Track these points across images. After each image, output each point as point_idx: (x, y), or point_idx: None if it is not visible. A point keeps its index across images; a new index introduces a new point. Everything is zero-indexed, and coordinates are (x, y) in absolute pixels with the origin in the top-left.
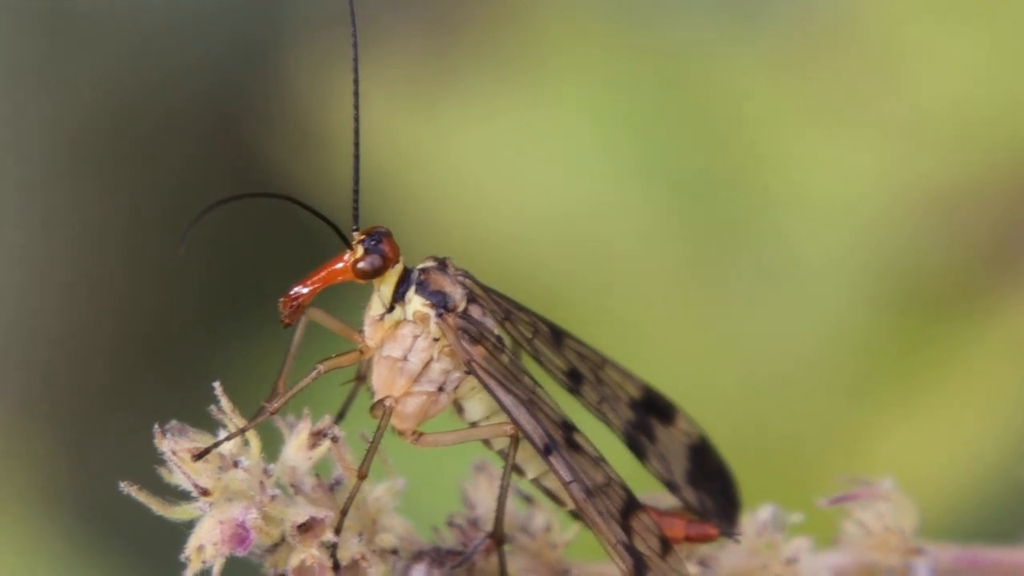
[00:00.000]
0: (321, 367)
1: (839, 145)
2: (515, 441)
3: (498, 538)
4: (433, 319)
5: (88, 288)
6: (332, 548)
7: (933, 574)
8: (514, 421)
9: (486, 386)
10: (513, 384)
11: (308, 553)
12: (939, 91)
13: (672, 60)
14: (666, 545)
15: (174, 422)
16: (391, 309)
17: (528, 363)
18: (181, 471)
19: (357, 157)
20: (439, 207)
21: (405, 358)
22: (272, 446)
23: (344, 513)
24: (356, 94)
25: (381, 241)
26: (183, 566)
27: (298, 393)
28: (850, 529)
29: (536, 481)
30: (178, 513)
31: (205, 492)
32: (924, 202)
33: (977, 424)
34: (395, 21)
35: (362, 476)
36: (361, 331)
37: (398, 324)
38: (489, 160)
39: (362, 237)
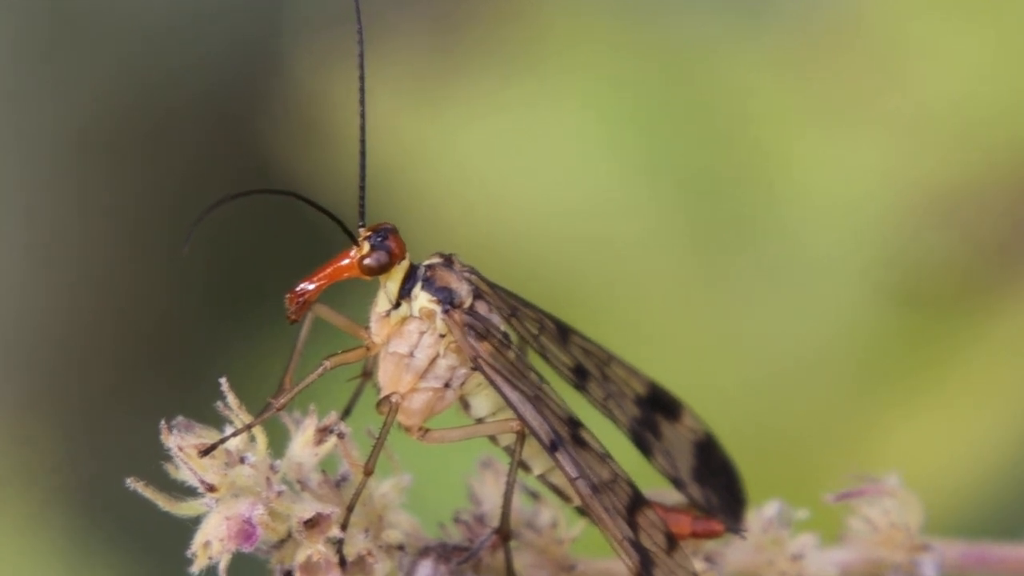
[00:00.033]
0: (327, 363)
1: (843, 143)
2: (521, 437)
3: (504, 534)
4: (439, 315)
5: (92, 286)
6: (338, 544)
7: (939, 570)
8: (520, 417)
9: (492, 382)
10: (519, 380)
11: (314, 549)
12: (943, 89)
13: (677, 57)
14: (672, 541)
15: (180, 418)
16: (397, 305)
17: (534, 359)
18: (187, 467)
19: (363, 153)
20: (444, 204)
21: (411, 354)
22: (278, 442)
23: (350, 509)
24: (362, 90)
25: (387, 237)
26: (189, 562)
27: (304, 389)
28: (856, 525)
29: (542, 477)
30: (184, 509)
31: (211, 488)
32: (927, 200)
33: (981, 421)
34: (400, 18)
35: (368, 472)
36: (367, 327)
37: (404, 320)
38: (494, 157)
39: (368, 233)
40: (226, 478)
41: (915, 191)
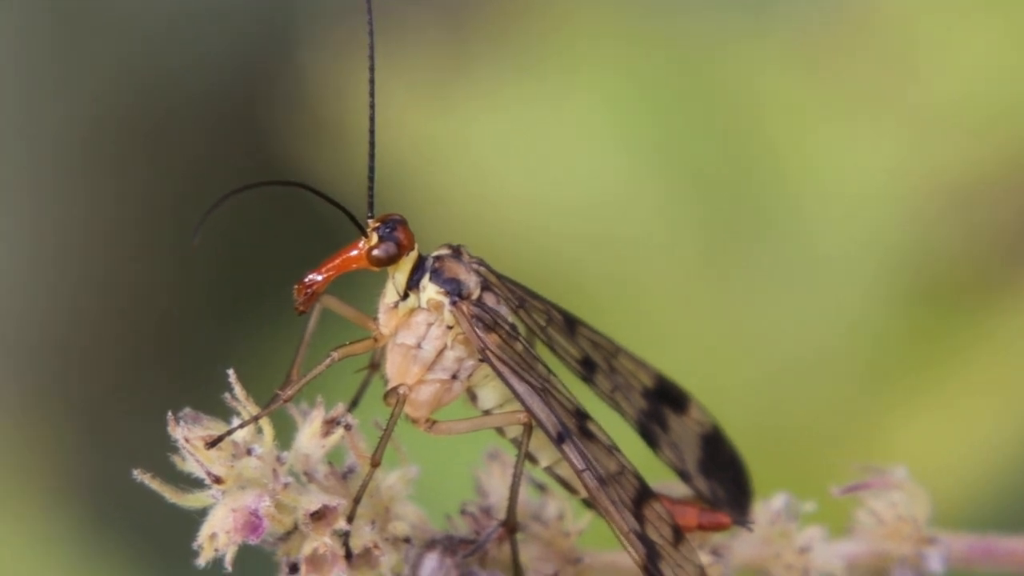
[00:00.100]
0: (335, 355)
1: (857, 137)
2: (528, 429)
3: (511, 526)
4: (447, 307)
5: (95, 285)
6: (345, 536)
7: (945, 563)
8: (528, 409)
9: (500, 374)
10: (527, 372)
11: (321, 541)
12: (955, 84)
13: (690, 51)
14: (678, 534)
15: (187, 410)
16: (405, 297)
17: (542, 351)
18: (194, 459)
19: (372, 144)
20: (455, 197)
21: (419, 346)
22: (285, 434)
23: (357, 501)
24: (371, 82)
25: (396, 229)
26: (195, 554)
27: (312, 381)
28: (863, 518)
29: (549, 469)
30: (191, 501)
31: (218, 480)
32: (941, 194)
33: (994, 415)
34: (412, 12)
35: (375, 464)
36: (375, 319)
37: (412, 312)
38: (506, 151)
39: (377, 225)
40: (233, 470)
41: (929, 185)
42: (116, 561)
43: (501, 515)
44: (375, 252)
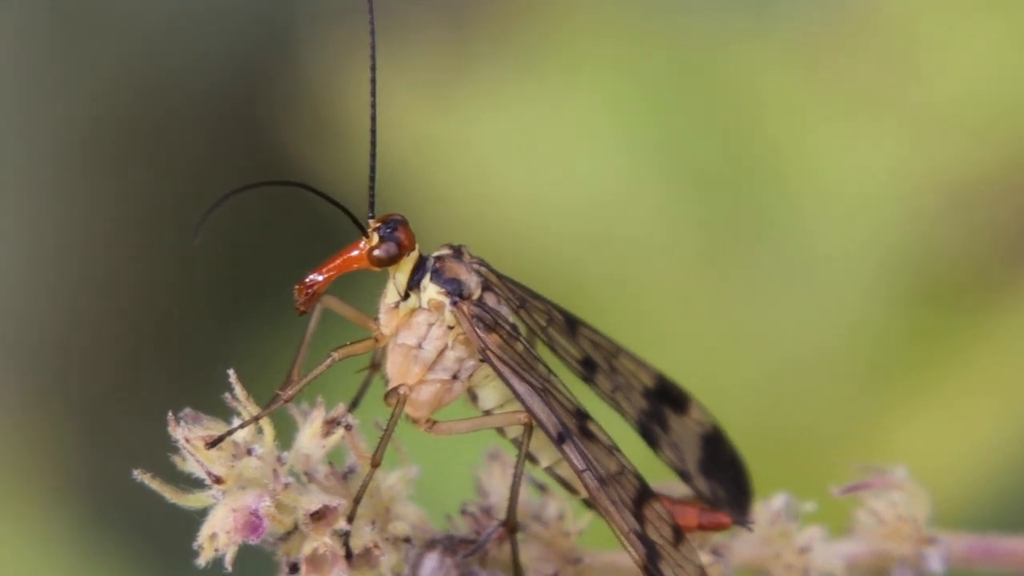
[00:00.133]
0: (335, 355)
1: (858, 137)
2: (529, 429)
3: (511, 526)
4: (448, 307)
5: (94, 285)
6: (345, 536)
7: (946, 563)
8: (528, 409)
9: (500, 374)
10: (527, 372)
11: (321, 541)
12: (957, 84)
13: (691, 51)
14: (679, 534)
15: (188, 410)
16: (406, 297)
17: (542, 351)
18: (194, 459)
19: (374, 144)
20: (456, 197)
21: (420, 346)
22: (286, 434)
23: (357, 501)
24: (373, 81)
25: (396, 229)
26: (196, 554)
27: (312, 381)
28: (863, 518)
29: (549, 469)
30: (191, 501)
31: (218, 480)
32: (941, 194)
33: (994, 415)
34: (413, 11)
35: (375, 464)
36: (376, 319)
37: (413, 312)
38: (507, 151)
39: (377, 225)
40: (233, 470)
41: (930, 185)
42: (116, 561)
43: (501, 515)
44: (376, 252)
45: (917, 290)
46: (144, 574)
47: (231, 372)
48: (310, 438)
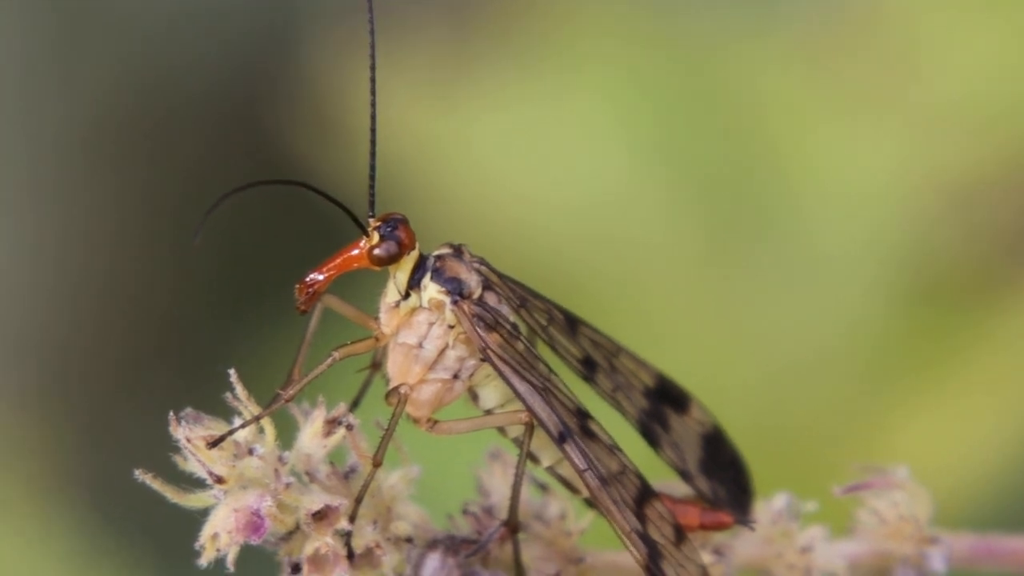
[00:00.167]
0: (336, 354)
1: (859, 136)
2: (530, 429)
3: (513, 526)
4: (448, 306)
5: (101, 280)
6: (346, 536)
7: (947, 563)
8: (529, 409)
9: (501, 373)
10: (528, 371)
11: (322, 541)
12: (959, 82)
13: (693, 50)
14: (680, 533)
15: (189, 410)
16: (406, 296)
17: (543, 351)
18: (196, 459)
19: (373, 143)
20: (456, 196)
21: (420, 345)
22: (287, 434)
23: (359, 501)
24: (373, 80)
25: (397, 228)
26: (197, 554)
27: (313, 380)
28: (865, 518)
29: (551, 469)
30: (193, 501)
31: (220, 480)
32: (943, 193)
33: (996, 414)
34: (413, 11)
35: (377, 464)
36: (376, 318)
37: (413, 311)
38: (507, 150)
39: (378, 224)
40: (234, 470)
41: (931, 184)
42: (118, 562)
43: (503, 515)
44: (376, 251)
45: (918, 290)
46: (146, 574)
47: (232, 372)
48: (311, 438)
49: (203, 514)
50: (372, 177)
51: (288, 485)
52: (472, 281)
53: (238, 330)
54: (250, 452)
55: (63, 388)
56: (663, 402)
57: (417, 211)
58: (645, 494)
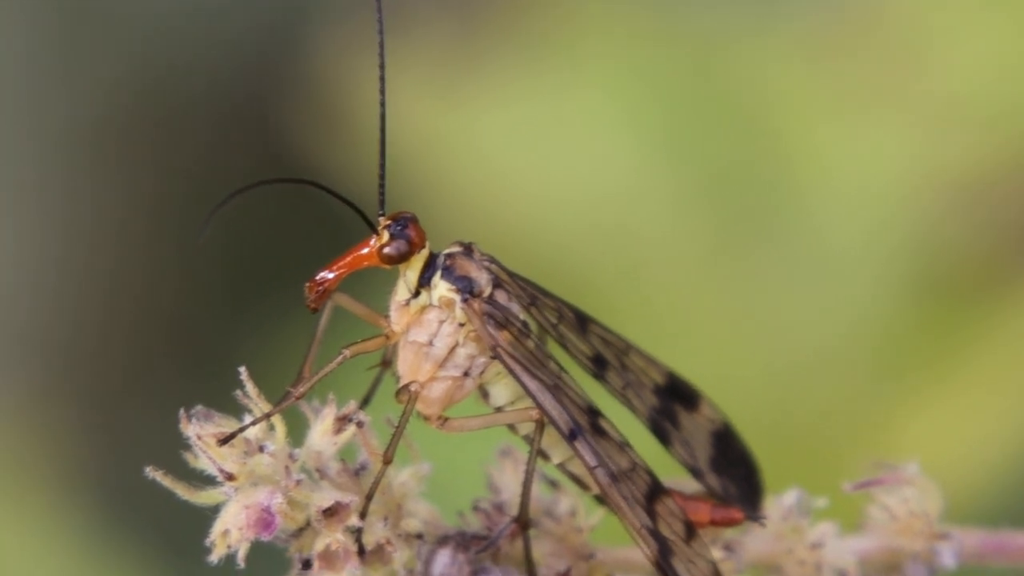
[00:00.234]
0: (347, 352)
1: (866, 131)
2: (540, 426)
3: (523, 523)
4: (459, 304)
5: (108, 277)
6: (357, 533)
7: (958, 559)
8: (539, 406)
9: (511, 371)
10: (538, 369)
11: (333, 538)
12: (966, 78)
13: (699, 45)
14: (691, 530)
15: (199, 407)
16: (417, 294)
17: (553, 348)
18: (206, 456)
19: (383, 142)
20: (466, 192)
21: (431, 343)
22: (297, 431)
23: (369, 498)
24: (382, 79)
25: (407, 226)
26: (208, 551)
27: (323, 378)
28: (875, 514)
29: (561, 466)
30: (203, 498)
31: (230, 477)
32: (951, 189)
33: (1003, 409)
34: (421, 7)
35: (387, 461)
36: (387, 316)
37: (424, 309)
38: (515, 145)
39: (388, 222)
40: (245, 467)
41: (939, 179)
42: (128, 559)
43: (513, 511)
44: (386, 250)
45: (924, 285)
46: (156, 572)
47: (242, 369)
48: (322, 435)
49: (213, 511)
50: (382, 176)
51: (299, 482)
52: (482, 279)
53: (243, 328)
54: (261, 449)
55: (72, 386)
56: (673, 399)
57: (423, 207)
58: (656, 491)
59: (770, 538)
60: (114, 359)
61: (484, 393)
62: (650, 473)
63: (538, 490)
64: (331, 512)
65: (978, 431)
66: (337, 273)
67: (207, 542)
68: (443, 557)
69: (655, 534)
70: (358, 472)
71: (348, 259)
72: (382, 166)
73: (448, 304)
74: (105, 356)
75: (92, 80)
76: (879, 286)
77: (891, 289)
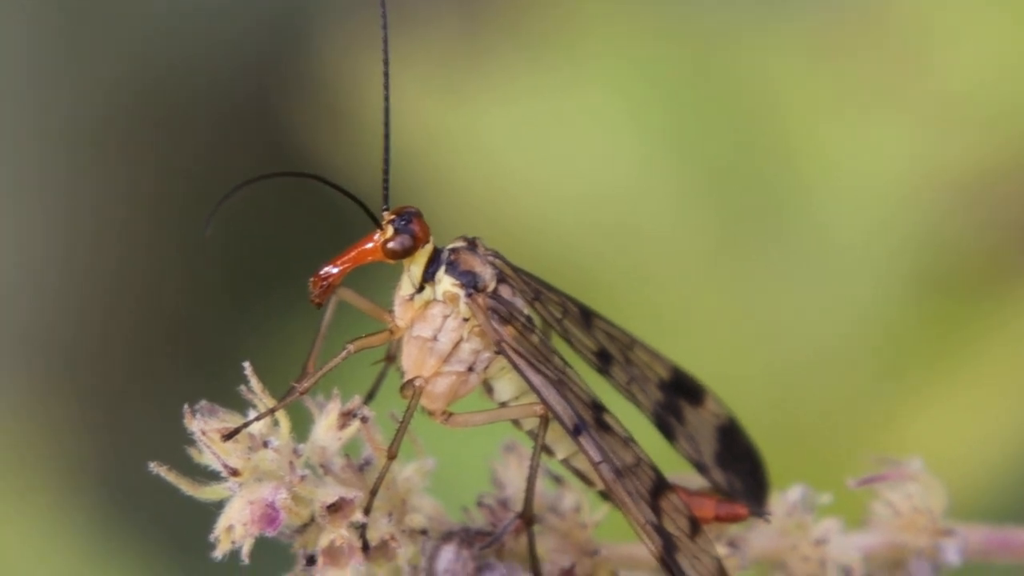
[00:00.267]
0: (351, 347)
1: (871, 128)
2: (545, 421)
3: (528, 518)
4: (463, 299)
5: (111, 273)
6: (361, 528)
7: (962, 555)
8: (544, 401)
9: (516, 366)
10: (543, 364)
11: (337, 533)
12: (970, 74)
13: (704, 42)
14: (695, 525)
15: (204, 402)
16: (421, 289)
17: (558, 343)
18: (211, 451)
19: (387, 137)
20: (469, 190)
21: (435, 338)
22: (302, 426)
23: (374, 493)
24: (386, 74)
25: (411, 221)
26: (212, 547)
27: (328, 373)
28: (879, 510)
29: (566, 461)
30: (207, 493)
31: (235, 472)
32: (955, 185)
33: (1008, 405)
34: (425, 4)
35: (392, 456)
36: (391, 311)
37: (428, 304)
38: (520, 142)
39: (392, 217)
40: (249, 462)
41: (943, 176)
42: (132, 554)
43: (518, 507)
44: (390, 245)
45: (930, 281)
46: (160, 567)
47: (247, 365)
48: (326, 430)
49: (217, 507)
50: (386, 171)
51: (303, 477)
52: (486, 274)
53: (245, 327)
54: (265, 445)
55: (76, 382)
56: (678, 394)
57: (427, 203)
58: (660, 486)
59: (774, 534)
60: (116, 358)
61: (488, 388)
62: (654, 468)
63: (542, 486)
64: (335, 508)
65: (980, 430)
66: (341, 268)
67: (211, 538)
68: (447, 553)
69: (659, 530)
70: (362, 468)
71: (352, 254)
72: (386, 160)
73: (452, 299)
74: (107, 355)
75: (93, 80)
76: (881, 285)
77: (893, 288)
